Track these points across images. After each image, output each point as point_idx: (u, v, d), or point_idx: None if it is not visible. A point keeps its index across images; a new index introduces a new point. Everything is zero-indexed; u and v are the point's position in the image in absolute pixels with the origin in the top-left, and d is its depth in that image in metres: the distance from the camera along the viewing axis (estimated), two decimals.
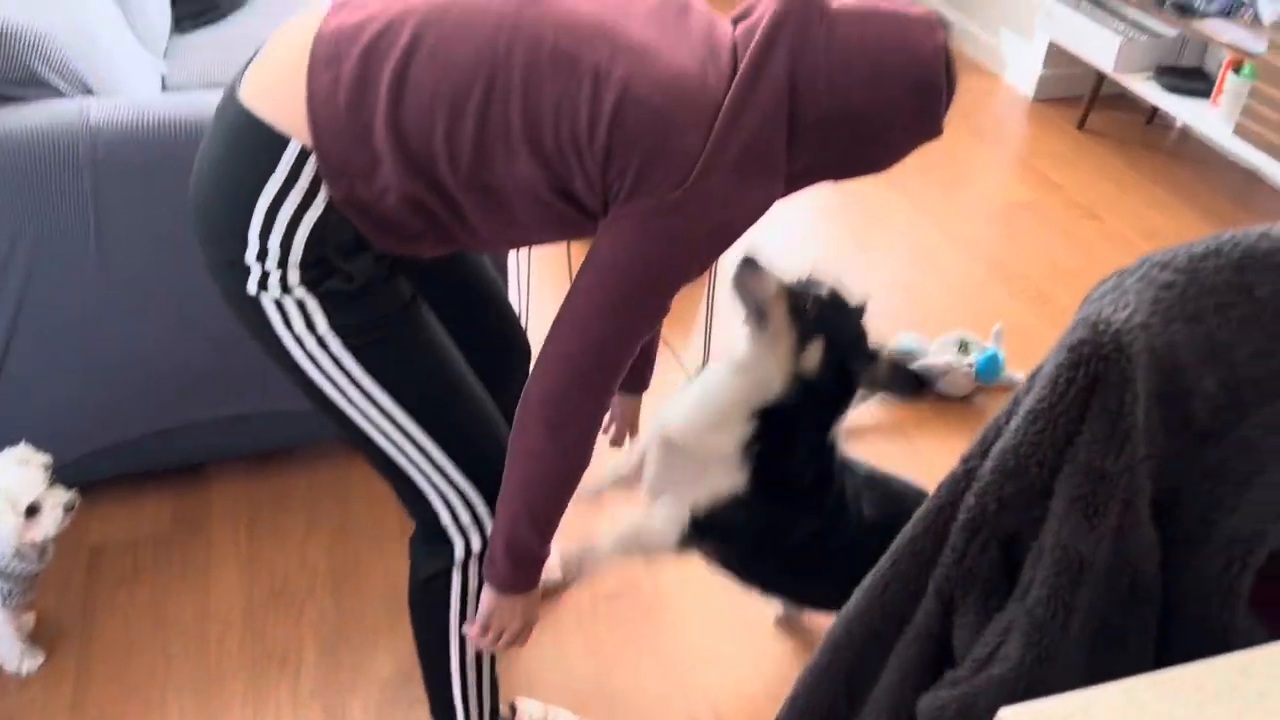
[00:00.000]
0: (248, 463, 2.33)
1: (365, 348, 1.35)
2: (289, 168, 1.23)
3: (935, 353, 2.65)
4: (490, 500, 1.44)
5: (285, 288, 1.29)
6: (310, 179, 1.24)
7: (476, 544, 1.47)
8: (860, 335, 1.50)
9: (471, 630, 1.49)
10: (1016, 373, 2.70)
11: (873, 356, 1.49)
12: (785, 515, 1.56)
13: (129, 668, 1.90)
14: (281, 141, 1.23)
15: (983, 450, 0.86)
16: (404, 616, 2.02)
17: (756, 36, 1.25)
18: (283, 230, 1.25)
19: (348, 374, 1.36)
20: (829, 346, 1.47)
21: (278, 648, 1.95)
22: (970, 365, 2.61)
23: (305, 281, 1.29)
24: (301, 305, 1.30)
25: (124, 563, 2.10)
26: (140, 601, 2.02)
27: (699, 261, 1.29)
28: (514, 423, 1.35)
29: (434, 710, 1.66)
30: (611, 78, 1.20)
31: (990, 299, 3.04)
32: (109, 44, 2.14)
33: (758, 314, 1.52)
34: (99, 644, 1.93)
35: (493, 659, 1.60)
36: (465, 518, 1.46)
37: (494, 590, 1.43)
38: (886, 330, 2.83)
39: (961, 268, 3.17)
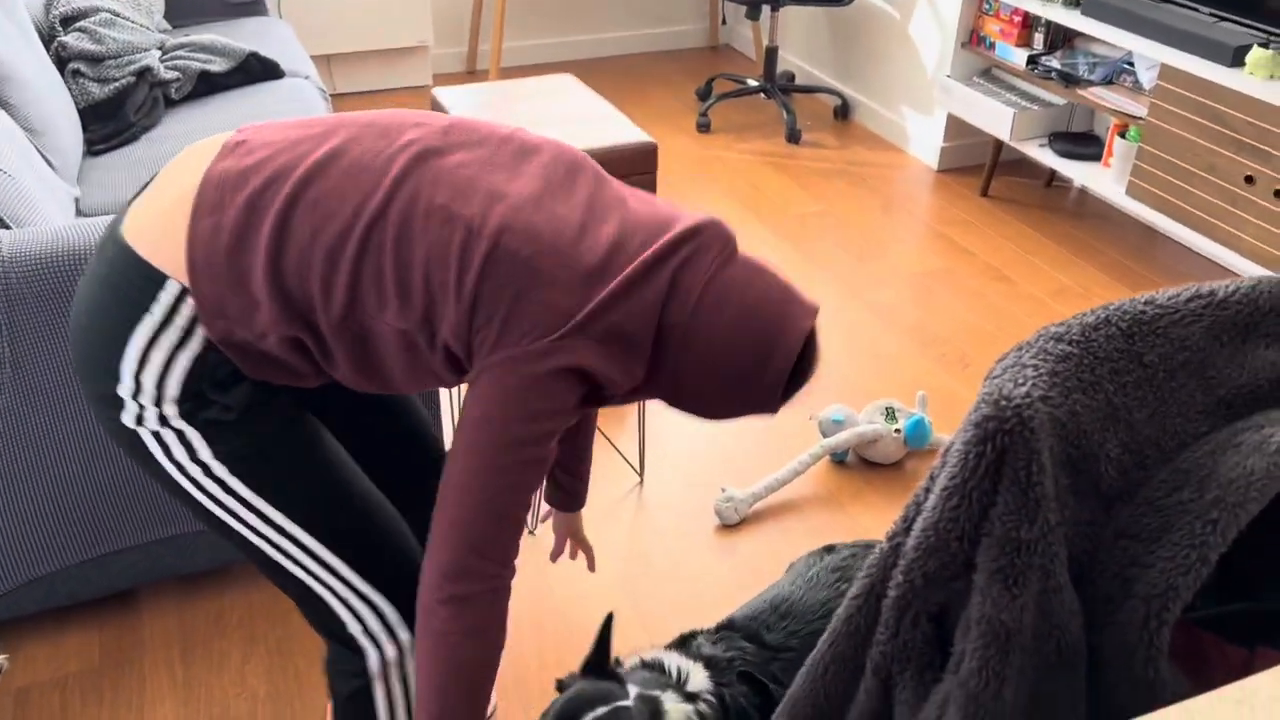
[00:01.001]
0: (179, 586, 2.27)
1: (251, 469, 1.35)
2: (166, 307, 1.25)
3: (863, 422, 2.70)
4: (398, 603, 1.44)
5: (163, 421, 1.29)
6: (188, 319, 1.25)
7: (391, 651, 1.46)
8: None
9: None
10: (944, 436, 2.76)
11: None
12: None
13: None
14: (159, 280, 1.24)
15: (905, 526, 0.88)
16: None
17: (669, 234, 1.30)
18: (158, 368, 1.26)
19: (236, 495, 1.36)
20: None
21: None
22: (899, 432, 2.67)
23: (183, 414, 1.29)
24: (181, 435, 1.31)
25: (51, 704, 2.01)
26: None
27: (575, 405, 1.30)
28: (417, 608, 1.32)
29: None
30: (485, 230, 1.23)
31: (912, 366, 3.12)
32: (22, 176, 2.13)
33: None
34: None
35: None
36: (374, 625, 1.45)
37: None
38: (815, 403, 2.89)
39: (882, 337, 3.25)
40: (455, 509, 1.28)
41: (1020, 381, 0.81)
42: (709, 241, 1.32)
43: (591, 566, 1.97)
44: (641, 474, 2.68)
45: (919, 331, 3.28)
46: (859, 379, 3.05)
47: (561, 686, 1.60)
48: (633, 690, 1.61)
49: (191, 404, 1.29)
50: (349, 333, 1.30)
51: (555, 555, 1.96)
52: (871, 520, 2.55)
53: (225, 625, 2.19)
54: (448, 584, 1.29)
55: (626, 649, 1.93)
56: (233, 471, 1.34)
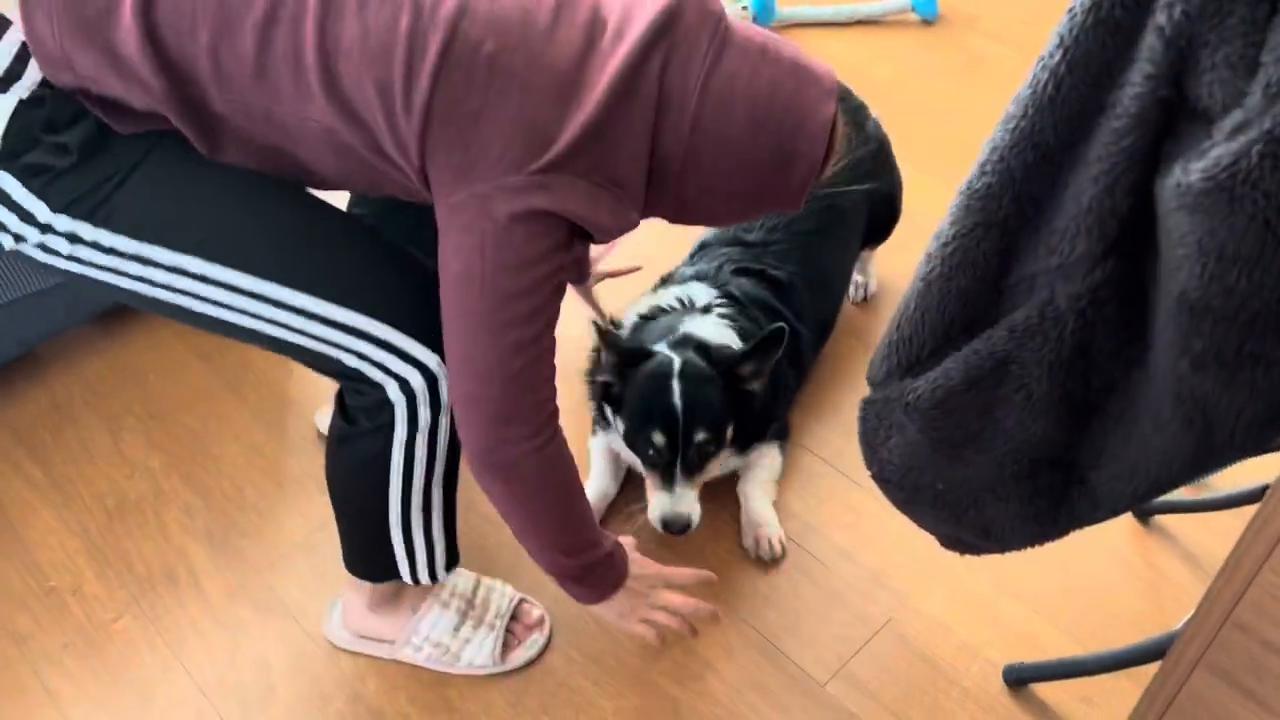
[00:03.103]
0: None
1: (115, 212, 1.03)
2: None
3: None
4: (404, 327, 1.11)
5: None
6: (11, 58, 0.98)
7: (418, 380, 1.14)
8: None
9: (649, 636, 1.27)
10: (789, 8, 2.55)
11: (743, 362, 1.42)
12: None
13: None
14: None
15: None
16: (285, 469, 1.68)
17: (643, 20, 1.00)
18: None
19: (122, 254, 1.04)
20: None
21: (157, 567, 1.55)
22: (745, 8, 2.43)
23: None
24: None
25: None
26: None
27: (566, 243, 1.04)
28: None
29: (367, 571, 1.35)
30: (440, 13, 0.95)
31: None
32: None
33: None
34: None
35: (450, 500, 1.30)
36: (382, 356, 1.12)
37: (600, 607, 1.24)
38: None
39: None
40: (462, 382, 1.07)
41: None
42: (695, 26, 1.01)
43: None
44: None
45: None
46: None
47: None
48: (660, 349, 1.43)
49: (18, 143, 0.99)
50: (260, 118, 1.00)
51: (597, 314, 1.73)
52: None
53: (68, 410, 1.76)
54: (483, 460, 1.09)
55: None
56: (91, 220, 1.03)
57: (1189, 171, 0.71)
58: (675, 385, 1.38)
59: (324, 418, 1.70)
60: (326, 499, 1.61)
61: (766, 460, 1.58)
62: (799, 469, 1.65)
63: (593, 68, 0.98)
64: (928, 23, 2.55)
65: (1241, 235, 0.71)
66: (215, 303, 1.07)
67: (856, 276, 1.90)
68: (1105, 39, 0.75)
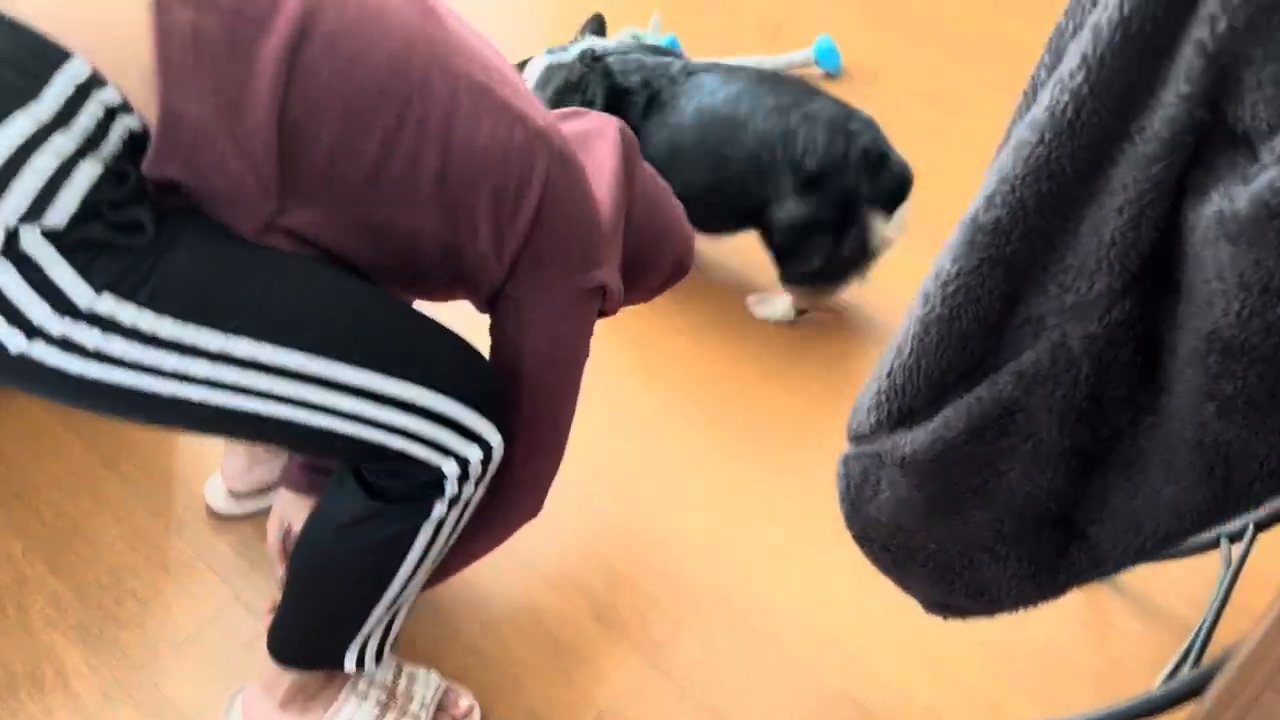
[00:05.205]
0: None
1: (160, 289, 0.85)
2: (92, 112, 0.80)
3: None
4: (469, 398, 1.02)
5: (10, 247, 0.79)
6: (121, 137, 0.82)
7: (477, 456, 1.05)
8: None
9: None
10: (696, 58, 2.52)
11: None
12: None
13: None
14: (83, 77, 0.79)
15: None
16: (171, 552, 1.50)
17: (617, 130, 1.22)
18: (43, 178, 0.78)
19: (163, 344, 0.86)
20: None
21: (18, 668, 1.34)
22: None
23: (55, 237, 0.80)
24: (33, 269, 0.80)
25: None
26: None
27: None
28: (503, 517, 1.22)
29: (306, 657, 1.19)
30: (539, 127, 1.04)
31: None
32: None
33: None
34: None
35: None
36: (454, 442, 1.03)
37: None
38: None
39: None
40: (550, 457, 1.19)
41: None
42: (632, 147, 1.25)
43: None
44: None
45: None
46: (573, 11, 2.68)
47: None
48: None
49: (82, 220, 0.80)
50: (351, 223, 0.95)
51: None
52: None
53: None
54: (539, 494, 1.23)
55: None
56: (135, 300, 0.84)
57: (1234, 198, 0.66)
58: None
59: (214, 488, 1.53)
60: (219, 583, 1.45)
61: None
62: (748, 529, 1.56)
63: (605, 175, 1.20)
64: (831, 76, 2.56)
65: None
66: (262, 394, 0.92)
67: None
68: (1134, 57, 0.69)
